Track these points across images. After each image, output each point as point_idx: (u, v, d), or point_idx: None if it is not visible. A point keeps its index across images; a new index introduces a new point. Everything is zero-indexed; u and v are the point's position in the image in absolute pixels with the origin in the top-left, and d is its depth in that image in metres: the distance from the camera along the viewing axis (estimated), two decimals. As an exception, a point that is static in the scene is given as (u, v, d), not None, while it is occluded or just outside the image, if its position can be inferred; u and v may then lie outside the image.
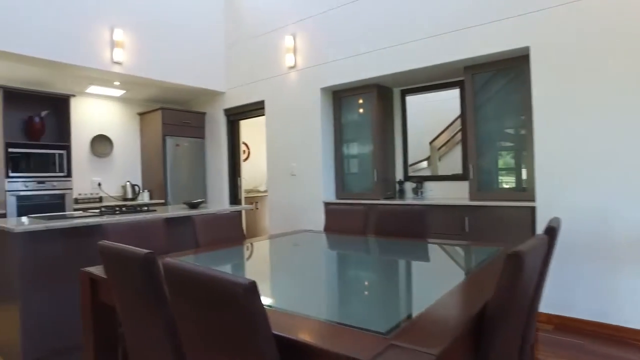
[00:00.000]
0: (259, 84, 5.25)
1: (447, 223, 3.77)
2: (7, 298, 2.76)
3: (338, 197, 4.74)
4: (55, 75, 4.56)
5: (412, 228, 2.84)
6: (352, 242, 2.60)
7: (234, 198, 5.82)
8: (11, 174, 4.30)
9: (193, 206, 3.79)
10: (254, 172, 7.31)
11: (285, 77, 4.96)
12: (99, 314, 2.00)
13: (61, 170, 4.64)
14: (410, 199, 4.36)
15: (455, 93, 4.34)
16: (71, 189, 4.68)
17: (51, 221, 2.79)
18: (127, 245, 1.41)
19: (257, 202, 6.78)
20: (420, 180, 4.49)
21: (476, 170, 3.79)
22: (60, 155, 4.64)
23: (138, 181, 5.89)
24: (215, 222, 2.71)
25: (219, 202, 5.81)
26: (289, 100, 4.93)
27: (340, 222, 3.18)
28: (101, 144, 5.52)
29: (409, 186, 4.65)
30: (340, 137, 4.77)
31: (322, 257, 2.29)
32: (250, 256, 2.30)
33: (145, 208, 3.60)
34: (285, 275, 1.86)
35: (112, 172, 5.63)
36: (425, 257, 2.18)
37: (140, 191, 5.67)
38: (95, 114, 5.52)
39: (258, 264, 2.18)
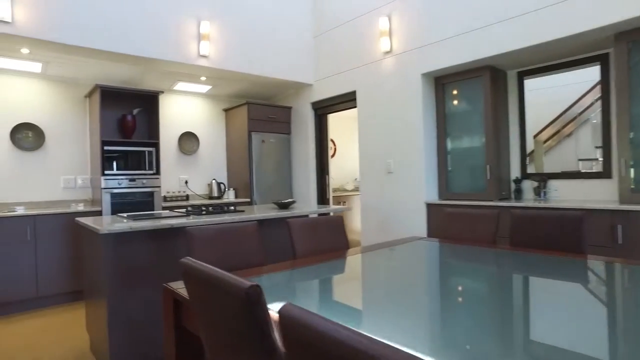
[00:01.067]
0: (350, 73, 4.77)
1: (591, 233, 2.99)
2: (98, 297, 2.57)
3: (441, 198, 4.11)
4: (144, 72, 4.46)
5: (563, 240, 2.17)
6: (493, 257, 2.00)
7: (322, 197, 5.41)
8: (106, 172, 4.26)
9: (283, 206, 3.40)
10: (340, 169, 6.87)
11: (379, 63, 4.42)
12: (183, 339, 1.62)
13: (150, 168, 4.54)
14: (529, 201, 3.60)
15: (584, 74, 3.49)
16: (159, 186, 4.56)
17: (137, 221, 2.53)
18: (219, 271, 0.98)
19: (344, 202, 6.33)
20: (544, 178, 3.70)
21: (627, 167, 2.97)
22: (150, 152, 4.54)
23: (223, 179, 5.72)
24: (314, 227, 2.25)
25: (305, 201, 5.44)
26: (385, 89, 4.38)
27: (459, 228, 2.58)
28: (188, 141, 5.41)
29: (527, 185, 3.88)
30: (443, 129, 4.13)
31: (479, 282, 1.71)
32: (367, 275, 1.81)
33: (232, 208, 3.28)
34: (449, 311, 1.33)
35: (198, 169, 5.50)
36: (611, 284, 1.53)
37: (226, 189, 5.47)
38: (182, 111, 5.42)
39: (387, 289, 1.67)
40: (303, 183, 5.50)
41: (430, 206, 4.00)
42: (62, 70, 4.28)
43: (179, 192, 5.28)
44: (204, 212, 3.05)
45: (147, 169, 4.52)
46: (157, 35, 3.97)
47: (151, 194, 4.51)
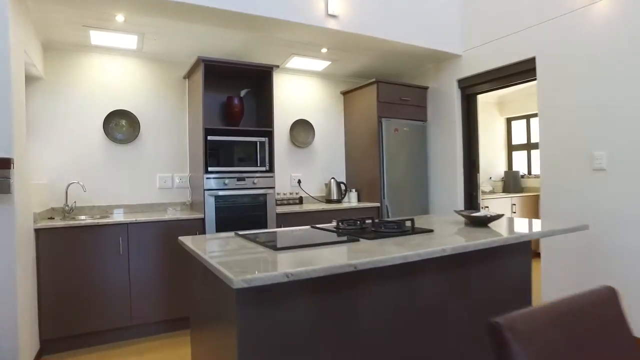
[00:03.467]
0: (523, 34, 3.35)
1: None
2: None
3: None
4: (252, 45, 3.43)
5: None
6: None
7: (469, 201, 4.05)
8: (210, 169, 3.28)
9: (480, 222, 2.12)
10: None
11: (575, 16, 2.96)
12: None
13: (262, 164, 3.50)
14: None
15: None
16: (273, 187, 3.51)
17: (296, 266, 1.41)
18: None
19: (486, 207, 4.90)
20: None
21: None
22: (262, 144, 3.49)
23: (341, 177, 4.57)
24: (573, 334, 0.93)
25: (447, 207, 4.12)
26: (586, 52, 2.91)
27: None
28: (302, 130, 4.33)
29: None
30: None
31: None
32: None
33: (407, 225, 2.06)
34: None
35: (312, 166, 4.40)
36: None
37: (347, 191, 4.32)
38: (294, 94, 4.35)
39: None
40: (444, 183, 4.17)
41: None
42: (159, 45, 3.37)
43: (291, 193, 4.22)
44: (372, 232, 1.87)
45: (258, 164, 3.48)
46: (276, -14, 2.90)
47: (263, 196, 3.46)
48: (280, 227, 3.54)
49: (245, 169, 3.42)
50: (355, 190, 4.30)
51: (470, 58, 3.87)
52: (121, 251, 2.92)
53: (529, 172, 5.93)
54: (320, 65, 4.14)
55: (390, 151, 4.09)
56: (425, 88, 4.34)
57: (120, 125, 3.50)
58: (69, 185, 3.26)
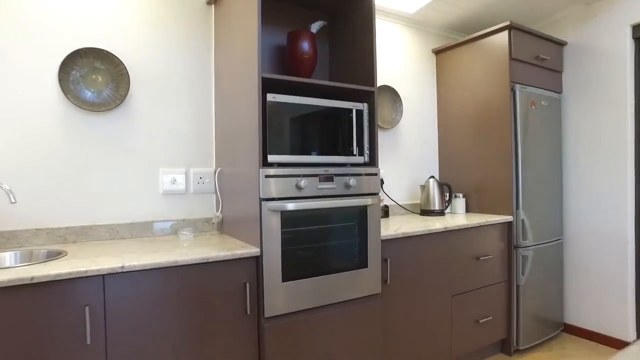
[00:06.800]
0: None
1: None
2: None
3: None
4: None
5: None
6: None
7: (639, 205, 2.56)
8: (271, 158, 1.63)
9: None
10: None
11: None
12: None
13: (360, 151, 1.86)
14: None
15: None
16: (378, 193, 1.88)
17: None
18: None
19: None
20: None
21: None
22: (359, 114, 1.86)
23: (433, 172, 2.98)
24: None
25: (604, 226, 2.61)
26: None
27: None
28: (386, 104, 2.71)
29: None
30: None
31: None
32: None
33: None
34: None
35: (398, 157, 2.79)
36: None
37: (452, 196, 2.74)
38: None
39: None
40: (597, 189, 2.64)
41: None
42: None
43: (369, 201, 2.59)
44: None
45: (354, 152, 1.85)
46: None
47: (363, 210, 1.83)
48: (388, 262, 1.93)
49: (332, 161, 1.79)
50: (463, 196, 2.73)
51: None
52: (89, 339, 1.25)
53: None
54: (414, 4, 2.53)
55: (527, 136, 2.53)
56: (563, 44, 2.81)
57: (92, 76, 1.79)
58: (-19, 190, 1.54)
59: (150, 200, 1.93)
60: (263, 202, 1.59)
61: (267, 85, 1.72)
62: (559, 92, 2.84)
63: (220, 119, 2.01)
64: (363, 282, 1.82)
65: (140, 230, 1.89)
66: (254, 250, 1.56)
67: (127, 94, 1.85)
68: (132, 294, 1.33)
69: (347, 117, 1.84)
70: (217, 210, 2.05)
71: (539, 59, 2.63)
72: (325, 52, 2.27)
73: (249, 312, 1.55)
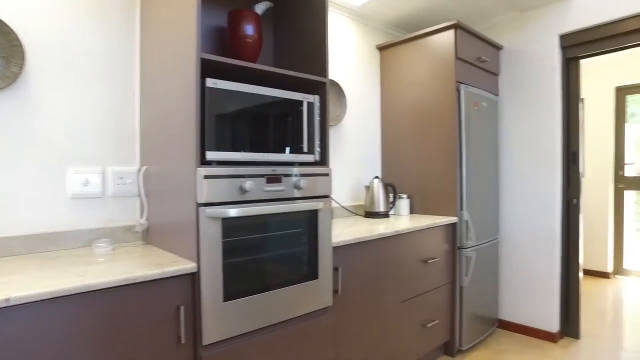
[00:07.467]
0: None
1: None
2: None
3: None
4: None
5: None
6: None
7: (566, 205, 2.70)
8: (209, 156, 1.37)
9: None
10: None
11: None
12: None
13: (310, 149, 1.66)
14: None
15: None
16: (329, 196, 1.69)
17: None
18: None
19: None
20: None
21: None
22: (310, 106, 1.66)
23: (376, 172, 2.87)
24: None
25: (535, 224, 2.70)
26: None
27: None
28: (331, 98, 2.52)
29: None
30: None
31: None
32: None
33: None
34: None
35: (341, 155, 2.63)
36: None
37: (397, 197, 2.65)
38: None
39: None
40: (529, 188, 2.73)
41: None
42: None
43: (313, 203, 2.41)
44: None
45: (303, 149, 1.65)
46: None
47: (314, 215, 1.63)
48: (339, 271, 1.76)
49: (280, 159, 1.57)
50: (407, 197, 2.66)
51: (582, 5, 2.49)
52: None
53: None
54: (361, -4, 2.40)
55: (470, 136, 2.53)
56: (500, 47, 2.87)
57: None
58: None
59: (55, 205, 1.55)
60: (201, 208, 1.32)
61: (206, 70, 1.45)
62: (496, 94, 2.89)
63: (147, 107, 1.69)
64: (314, 294, 1.63)
65: (41, 244, 1.51)
66: (189, 266, 1.29)
67: (21, 72, 1.46)
68: (25, 335, 1.00)
69: (296, 110, 1.63)
70: (142, 217, 1.72)
71: (480, 60, 2.64)
72: (269, 37, 2.04)
73: (183, 342, 1.28)
